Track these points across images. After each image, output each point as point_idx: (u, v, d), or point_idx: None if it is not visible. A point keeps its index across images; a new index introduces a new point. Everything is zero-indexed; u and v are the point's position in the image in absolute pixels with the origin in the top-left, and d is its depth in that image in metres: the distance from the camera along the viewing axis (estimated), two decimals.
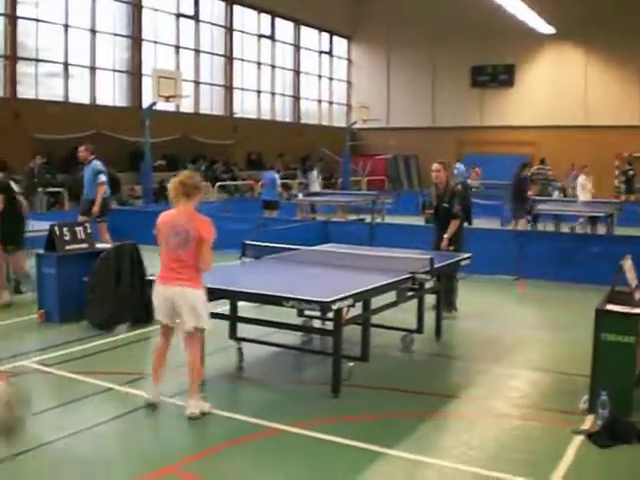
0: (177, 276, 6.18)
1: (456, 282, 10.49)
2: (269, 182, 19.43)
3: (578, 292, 11.78)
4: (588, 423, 6.13)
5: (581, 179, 19.97)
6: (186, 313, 6.18)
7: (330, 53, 40.30)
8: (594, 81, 34.85)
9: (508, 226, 17.00)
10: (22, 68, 23.62)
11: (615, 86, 34.37)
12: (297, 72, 37.40)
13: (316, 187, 25.30)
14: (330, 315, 6.66)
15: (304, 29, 37.45)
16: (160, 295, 6.30)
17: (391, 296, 7.78)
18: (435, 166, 10.40)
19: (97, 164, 13.50)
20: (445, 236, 10.05)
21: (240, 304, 7.89)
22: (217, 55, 31.85)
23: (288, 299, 6.37)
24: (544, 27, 33.24)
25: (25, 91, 23.70)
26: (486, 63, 37.34)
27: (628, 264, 7.01)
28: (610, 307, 6.57)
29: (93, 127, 23.75)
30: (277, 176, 19.72)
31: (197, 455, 5.53)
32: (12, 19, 22.88)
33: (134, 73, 27.44)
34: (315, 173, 25.88)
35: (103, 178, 13.42)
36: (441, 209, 10.31)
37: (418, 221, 14.64)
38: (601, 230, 18.01)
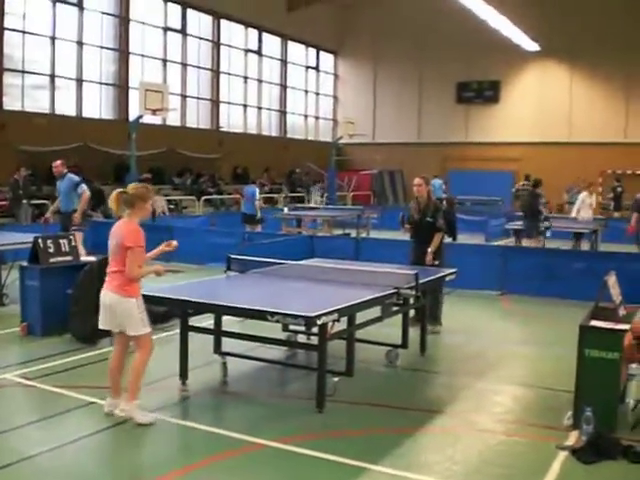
0: (110, 282, 6.38)
1: (441, 297, 10.50)
2: (249, 196, 19.48)
3: (562, 308, 11.81)
4: (572, 439, 6.14)
5: (583, 195, 20.00)
6: (112, 317, 6.38)
7: (317, 68, 40.44)
8: (579, 98, 35.10)
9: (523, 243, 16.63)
10: (8, 79, 23.57)
11: (600, 103, 34.61)
12: (284, 87, 37.49)
13: (315, 202, 25.89)
14: (315, 330, 6.65)
15: (291, 44, 37.57)
16: (101, 300, 6.48)
17: (376, 311, 7.77)
18: (417, 180, 10.48)
19: (73, 177, 13.72)
20: (429, 250, 10.06)
21: (225, 318, 7.86)
22: (204, 69, 31.90)
23: (273, 313, 6.34)
24: (529, 44, 33.51)
25: (11, 103, 23.65)
26: (471, 79, 37.55)
27: (612, 280, 7.04)
28: (594, 323, 6.58)
29: (79, 139, 23.73)
30: (257, 190, 19.73)
31: (180, 470, 5.48)
32: None
33: (121, 86, 27.43)
34: (315, 189, 26.67)
35: (85, 187, 13.67)
36: (424, 223, 10.32)
37: (403, 236, 14.65)
38: (585, 246, 18.08)
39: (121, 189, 6.42)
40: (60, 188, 13.73)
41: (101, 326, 6.55)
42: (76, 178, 13.72)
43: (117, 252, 6.29)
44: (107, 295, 6.37)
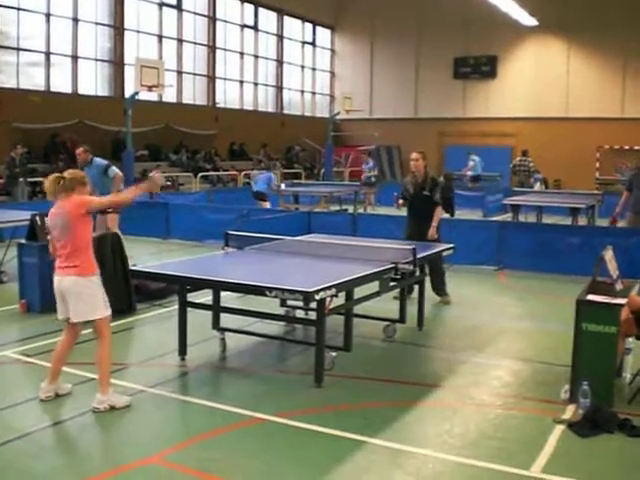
0: (66, 264, 6.12)
1: (443, 268, 10.64)
2: (265, 179, 19.74)
3: (560, 282, 11.87)
4: (569, 413, 6.18)
5: None
6: (72, 303, 6.13)
7: (313, 43, 40.22)
8: (576, 73, 34.96)
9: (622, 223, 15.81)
10: (3, 57, 23.47)
11: (597, 79, 34.48)
12: (280, 62, 37.31)
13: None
14: (313, 305, 6.67)
15: (287, 19, 37.35)
16: (55, 287, 6.26)
17: (374, 286, 7.79)
18: (414, 155, 10.56)
19: (100, 161, 12.90)
20: (433, 224, 10.23)
21: (223, 294, 7.89)
22: (200, 45, 31.74)
23: (271, 289, 6.36)
24: (527, 19, 33.30)
25: (6, 80, 23.53)
26: (468, 54, 37.36)
27: (609, 255, 7.06)
28: (591, 297, 6.61)
29: (75, 116, 23.69)
30: (273, 177, 20.47)
31: (180, 445, 5.52)
32: None
33: (116, 62, 27.30)
34: (372, 164, 27.18)
35: (116, 169, 12.86)
36: (420, 197, 10.42)
37: (400, 212, 14.64)
38: (582, 221, 18.08)
39: (57, 174, 6.23)
40: (89, 175, 12.99)
41: (60, 316, 6.35)
42: (104, 162, 12.89)
43: (67, 230, 6.06)
44: (65, 280, 6.12)
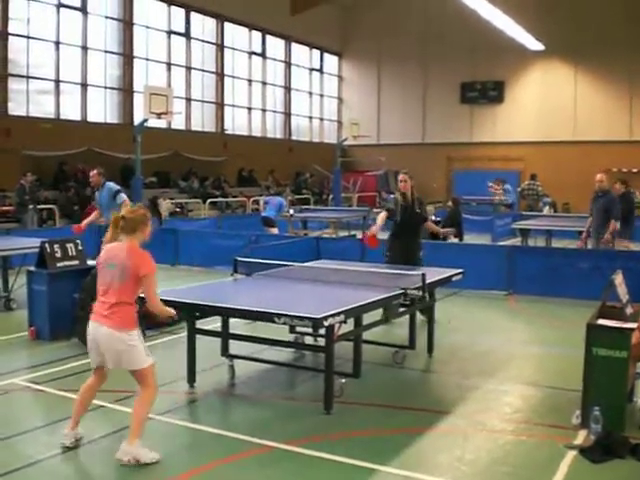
0: (105, 314, 5.68)
1: None
2: (276, 204, 19.63)
3: (569, 307, 11.80)
4: (581, 438, 6.13)
5: None
6: (109, 354, 5.71)
7: (321, 70, 40.42)
8: (583, 97, 35.00)
9: None
10: (13, 85, 23.61)
11: (604, 102, 34.50)
12: (288, 89, 37.48)
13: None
14: (322, 331, 6.65)
15: (295, 46, 37.57)
16: (89, 334, 5.84)
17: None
18: (401, 177, 10.83)
19: (112, 186, 12.73)
20: (440, 230, 10.72)
21: (232, 321, 7.88)
22: (208, 72, 31.92)
23: (280, 315, 6.35)
24: (533, 43, 33.41)
25: (16, 108, 23.69)
26: (475, 79, 37.47)
27: (619, 279, 7.03)
28: (602, 322, 6.57)
29: (84, 144, 23.82)
30: (284, 202, 20.32)
31: (188, 473, 5.49)
32: (3, 36, 22.88)
33: (125, 90, 27.47)
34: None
35: (124, 196, 12.65)
36: (412, 215, 10.65)
37: None
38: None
39: (120, 214, 5.85)
40: (100, 199, 12.72)
41: (93, 365, 5.90)
42: (115, 187, 12.70)
43: (123, 281, 5.65)
44: (101, 330, 5.68)
